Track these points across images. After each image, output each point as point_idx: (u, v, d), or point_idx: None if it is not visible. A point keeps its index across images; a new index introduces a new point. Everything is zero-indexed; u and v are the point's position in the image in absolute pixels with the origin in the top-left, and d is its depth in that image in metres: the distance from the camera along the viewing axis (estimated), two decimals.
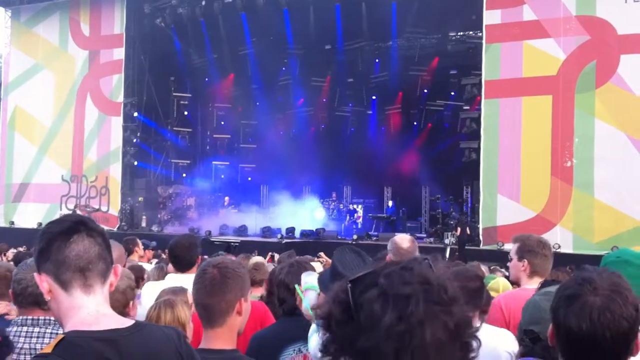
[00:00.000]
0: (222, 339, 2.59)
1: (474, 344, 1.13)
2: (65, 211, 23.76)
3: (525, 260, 3.96)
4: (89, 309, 1.91)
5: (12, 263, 4.73)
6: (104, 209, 23.59)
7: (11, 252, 10.27)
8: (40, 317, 2.74)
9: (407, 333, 1.07)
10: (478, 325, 1.18)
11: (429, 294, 1.11)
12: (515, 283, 4.38)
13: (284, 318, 3.45)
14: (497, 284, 4.91)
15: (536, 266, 3.95)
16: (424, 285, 1.12)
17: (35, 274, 1.96)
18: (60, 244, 1.93)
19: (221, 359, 2.57)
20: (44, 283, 1.93)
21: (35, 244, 2.00)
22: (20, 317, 2.79)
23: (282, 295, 3.39)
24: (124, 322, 1.96)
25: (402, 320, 1.08)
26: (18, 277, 2.90)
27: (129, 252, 6.68)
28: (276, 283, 3.50)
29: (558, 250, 15.38)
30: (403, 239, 4.24)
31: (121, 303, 3.16)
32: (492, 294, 4.35)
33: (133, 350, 1.88)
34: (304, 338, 3.12)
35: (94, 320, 1.89)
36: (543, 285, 3.31)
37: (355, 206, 25.31)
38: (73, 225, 1.97)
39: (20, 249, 11.14)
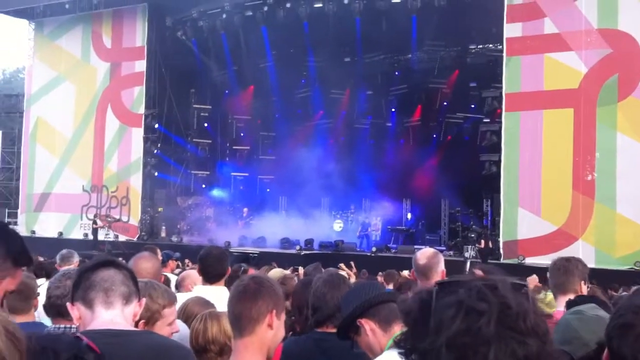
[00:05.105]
0: (252, 350, 2.43)
1: None
2: (85, 221, 23.99)
3: (547, 286, 4.19)
4: (104, 319, 2.21)
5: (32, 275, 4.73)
6: (124, 219, 23.77)
7: None
8: (67, 325, 2.81)
9: (470, 347, 1.05)
10: None
11: (505, 316, 1.07)
12: None
13: (316, 331, 3.25)
14: (547, 296, 4.89)
15: (552, 286, 4.02)
16: (502, 306, 1.09)
17: (68, 304, 2.30)
18: (89, 274, 2.28)
19: None
20: (75, 311, 2.25)
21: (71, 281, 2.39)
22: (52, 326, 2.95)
23: (316, 304, 3.23)
24: (134, 329, 2.28)
25: (469, 333, 1.06)
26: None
27: None
28: (313, 292, 3.28)
29: None
30: (422, 255, 3.99)
31: None
32: (544, 307, 4.33)
33: (136, 343, 2.18)
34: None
35: (103, 324, 2.18)
36: (569, 304, 3.26)
37: (374, 218, 25.15)
38: (101, 262, 2.32)
39: (41, 259, 11.18)
